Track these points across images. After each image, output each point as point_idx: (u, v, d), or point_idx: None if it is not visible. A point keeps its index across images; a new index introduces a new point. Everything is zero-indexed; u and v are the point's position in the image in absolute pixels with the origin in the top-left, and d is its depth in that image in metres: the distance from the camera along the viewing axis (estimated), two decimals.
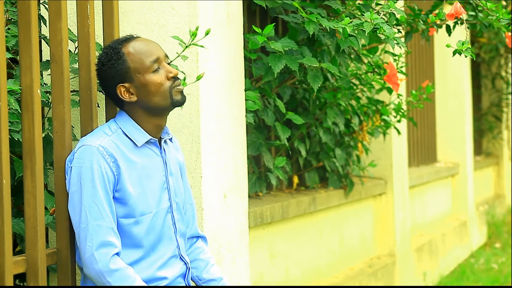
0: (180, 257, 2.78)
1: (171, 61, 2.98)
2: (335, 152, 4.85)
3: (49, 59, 2.80)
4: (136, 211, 2.66)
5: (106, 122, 2.83)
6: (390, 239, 5.78)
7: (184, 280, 2.80)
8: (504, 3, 7.49)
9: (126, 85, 2.69)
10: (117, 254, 2.59)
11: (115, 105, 2.79)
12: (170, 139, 2.84)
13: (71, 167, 2.62)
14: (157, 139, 2.75)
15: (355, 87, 4.84)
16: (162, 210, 2.73)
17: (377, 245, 5.76)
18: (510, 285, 6.58)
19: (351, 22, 3.51)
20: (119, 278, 2.56)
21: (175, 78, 2.71)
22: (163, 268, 2.71)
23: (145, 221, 2.67)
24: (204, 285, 2.88)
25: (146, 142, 2.72)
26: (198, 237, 2.95)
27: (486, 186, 10.01)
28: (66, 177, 2.65)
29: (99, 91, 2.93)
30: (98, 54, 2.84)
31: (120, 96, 2.70)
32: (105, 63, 2.71)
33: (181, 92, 2.72)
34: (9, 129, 2.69)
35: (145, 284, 2.61)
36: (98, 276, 2.56)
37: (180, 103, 2.73)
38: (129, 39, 2.73)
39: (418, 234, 6.87)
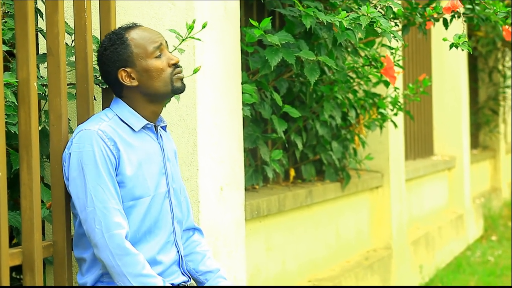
0: (175, 244, 2.79)
1: None
2: (332, 145, 4.85)
3: (45, 52, 2.80)
4: (135, 194, 2.67)
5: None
6: (387, 232, 5.79)
7: (180, 268, 2.81)
8: None
9: (127, 70, 2.71)
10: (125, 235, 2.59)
11: (113, 92, 2.79)
12: (165, 127, 2.86)
13: (70, 153, 2.63)
14: (153, 125, 2.77)
15: (352, 80, 4.84)
16: (160, 195, 2.74)
17: (374, 238, 5.77)
18: (507, 276, 6.59)
19: (348, 15, 3.51)
20: (128, 263, 2.56)
21: (176, 65, 2.74)
22: (159, 252, 2.72)
23: (143, 204, 2.68)
24: (201, 277, 2.89)
25: (142, 128, 2.74)
26: (194, 229, 2.96)
27: (483, 179, 10.02)
28: (65, 164, 2.64)
29: (96, 84, 2.94)
30: (95, 45, 2.84)
31: (121, 81, 2.71)
32: (108, 47, 2.72)
33: (181, 79, 2.76)
34: (6, 122, 2.68)
35: (153, 272, 2.60)
36: (109, 258, 2.56)
37: (180, 90, 2.76)
38: (132, 26, 2.77)
39: (414, 227, 6.88)
